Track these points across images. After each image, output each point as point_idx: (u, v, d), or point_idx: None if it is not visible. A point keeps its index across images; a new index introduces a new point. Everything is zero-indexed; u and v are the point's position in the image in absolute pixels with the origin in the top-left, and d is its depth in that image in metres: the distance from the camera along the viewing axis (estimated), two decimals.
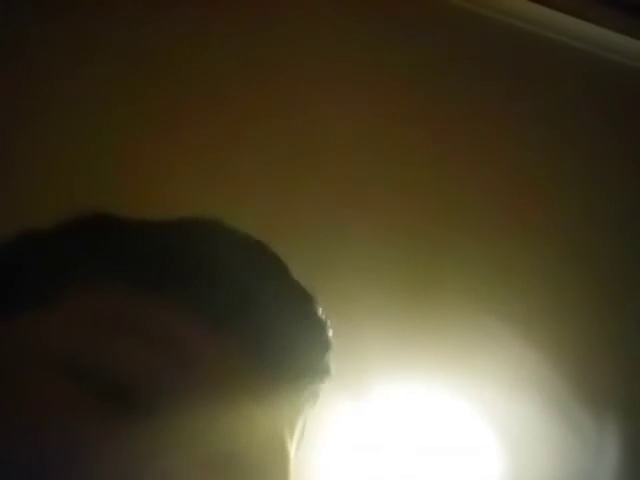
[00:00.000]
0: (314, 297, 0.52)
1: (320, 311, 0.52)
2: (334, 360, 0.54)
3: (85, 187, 0.84)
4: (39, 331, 0.47)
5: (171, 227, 0.52)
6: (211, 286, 0.49)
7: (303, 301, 0.52)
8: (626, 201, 1.08)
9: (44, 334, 0.47)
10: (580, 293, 1.03)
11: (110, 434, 0.44)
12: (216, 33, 0.96)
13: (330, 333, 0.52)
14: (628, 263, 1.06)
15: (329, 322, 0.52)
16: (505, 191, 1.04)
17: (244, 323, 0.48)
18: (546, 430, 0.96)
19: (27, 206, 0.81)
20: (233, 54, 0.97)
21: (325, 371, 0.53)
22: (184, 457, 0.45)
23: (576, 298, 1.02)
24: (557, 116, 1.09)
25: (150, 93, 0.91)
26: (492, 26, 1.12)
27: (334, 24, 1.00)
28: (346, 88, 0.98)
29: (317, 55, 0.99)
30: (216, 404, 0.46)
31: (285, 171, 0.94)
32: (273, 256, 0.53)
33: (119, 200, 0.55)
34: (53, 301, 0.48)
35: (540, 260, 1.02)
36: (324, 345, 0.53)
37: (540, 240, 1.03)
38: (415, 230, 0.97)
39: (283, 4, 0.99)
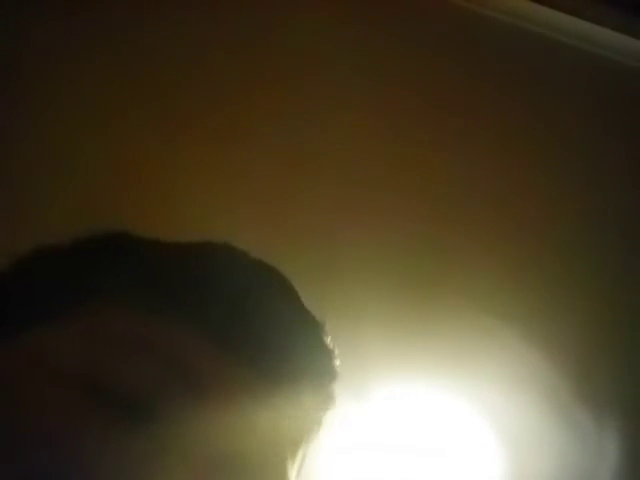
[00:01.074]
0: (323, 325, 0.53)
1: (329, 340, 0.53)
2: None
3: (95, 203, 0.84)
4: (49, 345, 0.48)
5: (185, 249, 0.53)
6: (222, 309, 0.49)
7: (313, 328, 0.53)
8: (626, 201, 1.08)
9: (54, 348, 0.48)
10: (580, 293, 1.03)
11: (113, 438, 0.45)
12: (217, 39, 0.96)
13: (337, 362, 0.53)
14: (628, 263, 1.06)
15: (337, 351, 0.53)
16: (505, 191, 1.04)
17: (254, 346, 0.49)
18: (546, 430, 0.96)
19: (40, 222, 0.81)
20: (234, 58, 0.96)
21: (329, 399, 0.53)
22: (185, 460, 0.45)
23: (576, 298, 1.02)
24: (556, 115, 1.09)
25: (152, 109, 0.91)
26: (490, 25, 1.11)
27: (334, 26, 1.00)
28: (346, 91, 0.98)
29: (317, 57, 0.98)
30: (219, 417, 0.47)
31: (286, 180, 0.94)
32: (285, 281, 0.53)
33: (128, 217, 0.56)
34: (64, 317, 0.49)
35: (540, 260, 1.02)
36: (330, 374, 0.53)
37: (539, 240, 1.03)
38: (416, 232, 0.97)
39: (283, 7, 0.99)
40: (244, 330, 0.49)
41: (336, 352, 0.53)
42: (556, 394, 0.96)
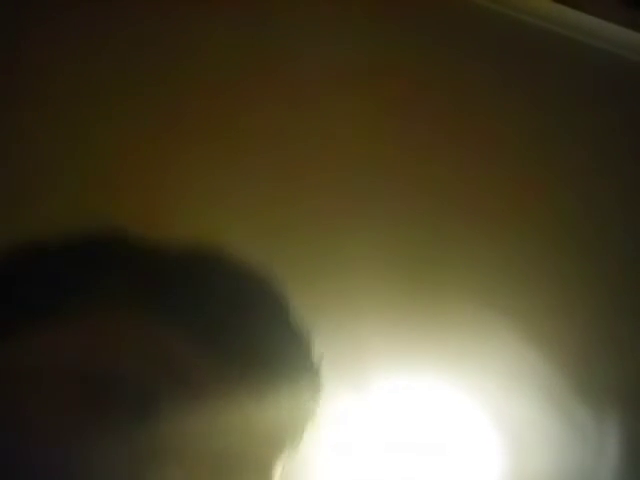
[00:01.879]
0: (311, 340, 0.54)
1: (315, 353, 0.54)
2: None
3: (89, 199, 0.83)
4: (48, 343, 0.48)
5: (180, 253, 0.54)
6: (214, 315, 0.50)
7: (299, 343, 0.54)
8: (629, 197, 1.08)
9: (53, 345, 0.48)
10: (581, 289, 1.02)
11: (111, 438, 0.45)
12: (215, 32, 0.96)
13: (321, 378, 0.54)
14: (630, 259, 1.05)
15: (322, 366, 0.54)
16: (507, 185, 1.03)
17: (242, 354, 0.50)
18: (546, 426, 0.96)
19: (34, 217, 0.80)
20: (233, 54, 0.96)
21: (314, 409, 0.54)
22: (181, 458, 0.46)
23: (577, 294, 1.02)
24: (559, 109, 1.09)
25: (150, 106, 0.91)
26: (491, 18, 1.11)
27: (335, 21, 1.00)
28: (346, 84, 0.98)
29: (318, 55, 0.98)
30: (214, 416, 0.48)
31: (285, 170, 0.94)
32: (275, 291, 0.54)
33: (124, 215, 0.56)
34: (58, 315, 0.49)
35: (542, 255, 1.01)
36: (314, 390, 0.56)
37: (541, 235, 1.03)
38: (416, 223, 0.97)
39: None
40: (233, 338, 0.50)
41: (321, 368, 0.54)
42: (557, 390, 0.96)
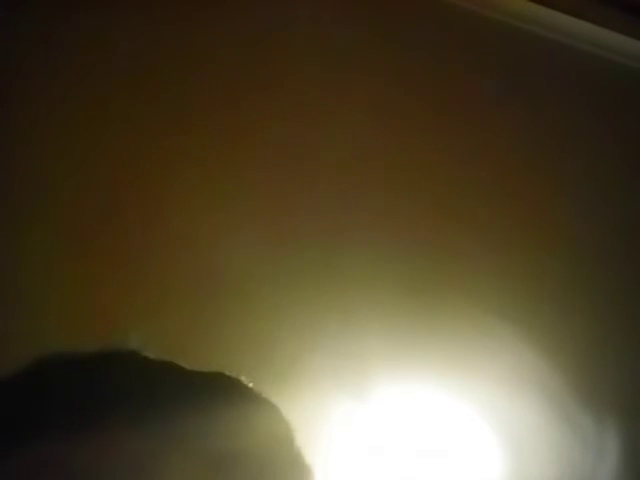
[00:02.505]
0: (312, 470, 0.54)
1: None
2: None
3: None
4: (47, 459, 0.48)
5: (191, 379, 0.53)
6: (214, 439, 0.50)
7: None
8: (625, 201, 1.08)
9: (50, 462, 0.48)
10: (580, 294, 1.03)
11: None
12: (217, 40, 0.95)
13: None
14: (628, 263, 1.06)
15: None
16: (505, 193, 1.04)
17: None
18: (547, 431, 0.96)
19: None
20: (233, 60, 0.96)
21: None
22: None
23: (577, 299, 1.02)
24: (558, 116, 1.09)
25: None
26: (492, 27, 1.11)
27: (334, 28, 1.00)
28: (346, 92, 0.98)
29: (318, 59, 0.98)
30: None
31: (287, 182, 0.93)
32: (283, 420, 0.54)
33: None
34: (61, 430, 0.49)
35: (540, 261, 1.02)
36: None
37: (540, 241, 1.03)
38: (416, 232, 0.97)
39: (284, 8, 0.98)
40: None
41: None
42: (557, 395, 0.96)
